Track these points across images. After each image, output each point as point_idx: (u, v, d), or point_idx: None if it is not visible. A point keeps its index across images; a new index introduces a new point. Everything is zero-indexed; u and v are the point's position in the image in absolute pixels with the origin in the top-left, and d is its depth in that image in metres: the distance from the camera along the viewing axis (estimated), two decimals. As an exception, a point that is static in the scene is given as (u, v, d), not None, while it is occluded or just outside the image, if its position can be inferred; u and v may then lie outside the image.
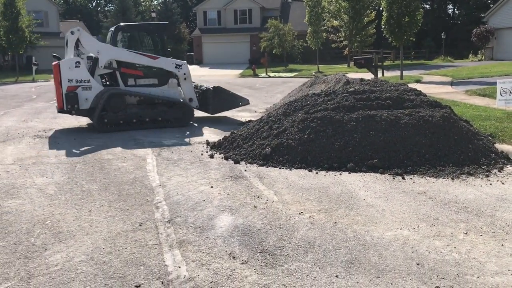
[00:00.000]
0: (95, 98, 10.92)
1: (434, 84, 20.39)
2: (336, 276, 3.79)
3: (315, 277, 3.78)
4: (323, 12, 35.99)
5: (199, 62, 49.31)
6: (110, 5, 78.96)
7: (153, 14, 47.76)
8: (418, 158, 7.04)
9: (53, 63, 10.96)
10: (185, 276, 3.83)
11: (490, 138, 8.26)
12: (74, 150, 8.86)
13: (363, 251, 4.22)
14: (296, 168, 7.11)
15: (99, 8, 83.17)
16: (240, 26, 49.74)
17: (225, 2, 49.84)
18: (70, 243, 4.52)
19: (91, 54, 11.33)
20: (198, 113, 12.39)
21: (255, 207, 5.45)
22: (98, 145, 9.30)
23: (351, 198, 5.71)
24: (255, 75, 33.21)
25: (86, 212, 5.39)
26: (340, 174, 6.77)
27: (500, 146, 7.89)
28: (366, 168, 6.90)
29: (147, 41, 12.33)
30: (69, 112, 11.03)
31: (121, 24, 12.51)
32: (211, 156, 8.08)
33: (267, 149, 7.65)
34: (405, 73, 24.42)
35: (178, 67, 11.65)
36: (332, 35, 40.16)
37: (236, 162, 7.59)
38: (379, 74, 23.34)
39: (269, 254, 4.19)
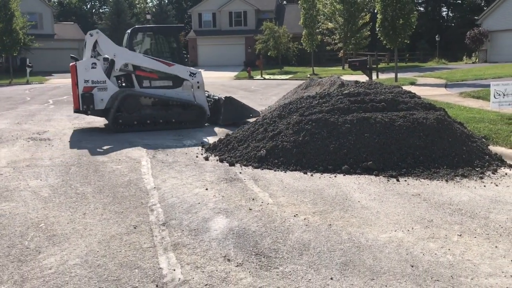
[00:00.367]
0: (111, 99, 11.13)
1: (429, 86, 20.48)
2: (331, 279, 3.79)
3: (310, 279, 3.79)
4: (318, 15, 36.12)
5: (194, 64, 49.18)
6: (105, 7, 78.85)
7: (148, 16, 47.78)
8: (413, 160, 7.07)
9: (71, 64, 11.20)
10: (179, 279, 3.83)
11: (484, 140, 8.30)
12: (68, 153, 8.82)
13: (358, 253, 4.23)
14: (291, 170, 7.12)
15: (93, 10, 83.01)
16: (235, 28, 49.81)
17: (220, 4, 49.90)
18: (64, 246, 4.50)
19: (107, 56, 11.48)
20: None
21: (250, 209, 5.45)
22: (92, 148, 9.27)
23: (346, 200, 5.72)
24: (250, 77, 33.26)
25: (81, 215, 5.37)
26: (335, 176, 6.78)
27: (494, 148, 7.93)
28: (360, 170, 6.92)
29: (162, 44, 12.50)
30: (85, 112, 11.29)
31: (137, 26, 12.67)
32: (206, 159, 8.07)
33: (262, 151, 7.66)
34: (399, 75, 24.51)
35: (192, 75, 11.82)
36: (327, 37, 40.31)
37: (231, 164, 7.59)
38: (374, 76, 23.45)
39: (264, 257, 4.19)
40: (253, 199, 5.82)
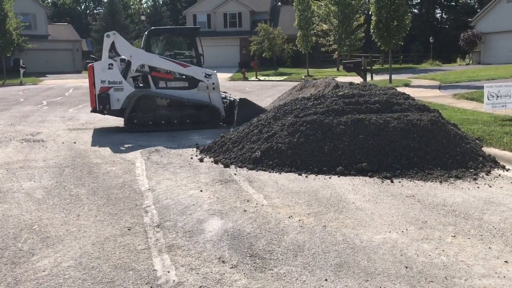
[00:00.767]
0: (126, 99, 11.31)
1: (423, 88, 20.57)
2: (326, 280, 3.79)
3: (304, 281, 3.79)
4: (313, 16, 36.16)
5: (189, 65, 49.17)
6: (99, 8, 78.65)
7: (143, 17, 47.71)
8: (407, 161, 7.09)
9: (88, 65, 11.43)
10: (174, 280, 3.82)
11: (477, 141, 8.34)
12: (62, 154, 8.79)
13: (352, 255, 4.24)
14: (286, 172, 7.12)
15: (88, 11, 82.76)
16: (230, 30, 49.80)
17: (215, 5, 49.87)
18: (58, 248, 4.47)
19: (124, 57, 11.63)
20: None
21: (245, 211, 5.45)
22: (86, 149, 9.24)
23: (340, 202, 5.73)
24: (245, 79, 33.26)
25: (75, 217, 5.35)
26: (330, 178, 6.79)
27: (487, 150, 7.97)
28: (355, 172, 6.93)
29: (179, 45, 12.65)
30: (101, 112, 11.45)
31: (154, 28, 12.80)
32: (201, 160, 8.06)
33: (257, 153, 7.66)
34: (393, 77, 24.61)
35: (207, 76, 11.94)
36: (321, 39, 40.36)
37: (226, 166, 7.59)
38: (368, 78, 23.51)
39: (258, 258, 4.19)
40: (247, 201, 5.82)
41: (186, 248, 4.43)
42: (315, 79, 17.01)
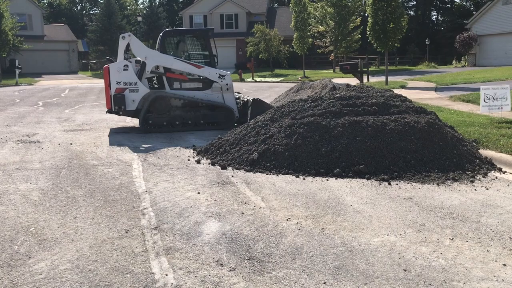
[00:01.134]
0: (142, 100, 11.43)
1: (419, 89, 20.62)
2: (324, 283, 3.78)
3: (303, 284, 3.78)
4: (309, 18, 36.26)
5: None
6: (95, 8, 78.47)
7: (139, 18, 47.60)
8: (404, 163, 7.10)
9: (104, 66, 11.59)
10: (172, 284, 3.80)
11: (474, 144, 8.36)
12: (58, 155, 8.75)
13: (351, 258, 4.23)
14: (283, 174, 7.11)
15: (84, 12, 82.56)
16: (226, 31, 49.77)
17: (211, 6, 49.87)
18: (54, 251, 4.44)
19: (139, 58, 11.72)
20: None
21: (243, 213, 5.43)
22: (83, 150, 9.20)
23: (338, 204, 5.73)
24: (242, 80, 33.24)
25: (71, 219, 5.32)
26: (327, 180, 6.79)
27: (484, 152, 7.99)
28: (352, 174, 6.93)
29: (193, 46, 12.74)
30: (117, 112, 11.59)
31: (168, 29, 12.96)
32: (198, 162, 8.04)
33: (254, 155, 7.64)
34: (390, 78, 24.66)
35: (221, 77, 11.96)
36: (318, 40, 40.42)
37: (223, 167, 7.57)
38: (364, 80, 23.56)
39: (256, 261, 4.18)
40: (245, 203, 5.80)
41: (184, 251, 4.41)
42: (311, 80, 17.03)
